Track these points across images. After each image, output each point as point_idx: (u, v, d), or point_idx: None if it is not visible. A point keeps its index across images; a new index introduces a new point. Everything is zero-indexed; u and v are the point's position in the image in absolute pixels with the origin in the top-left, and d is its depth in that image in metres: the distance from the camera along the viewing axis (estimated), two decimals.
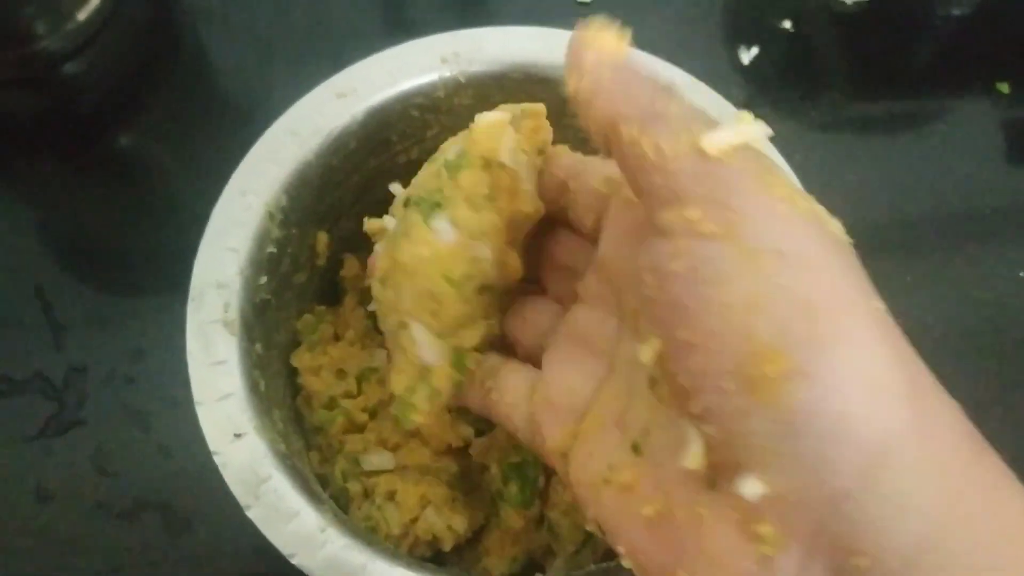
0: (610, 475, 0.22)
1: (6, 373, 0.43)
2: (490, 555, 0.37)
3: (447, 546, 0.36)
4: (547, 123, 0.28)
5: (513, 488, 0.36)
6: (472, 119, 0.28)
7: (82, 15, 0.51)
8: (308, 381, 0.38)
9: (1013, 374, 0.46)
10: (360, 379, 0.38)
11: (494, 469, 0.36)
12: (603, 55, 0.21)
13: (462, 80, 0.37)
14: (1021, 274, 0.49)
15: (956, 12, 0.56)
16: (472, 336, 0.28)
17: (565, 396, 0.25)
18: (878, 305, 0.19)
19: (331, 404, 0.37)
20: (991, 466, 0.18)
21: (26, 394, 0.43)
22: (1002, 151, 0.52)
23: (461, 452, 0.38)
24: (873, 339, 0.18)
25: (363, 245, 0.41)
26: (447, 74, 0.37)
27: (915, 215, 0.50)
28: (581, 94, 0.21)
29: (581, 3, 0.55)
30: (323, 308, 0.40)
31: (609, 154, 0.22)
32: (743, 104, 0.52)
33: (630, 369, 0.23)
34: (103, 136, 0.50)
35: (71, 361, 0.44)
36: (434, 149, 0.29)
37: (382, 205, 0.34)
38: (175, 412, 0.42)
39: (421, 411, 0.28)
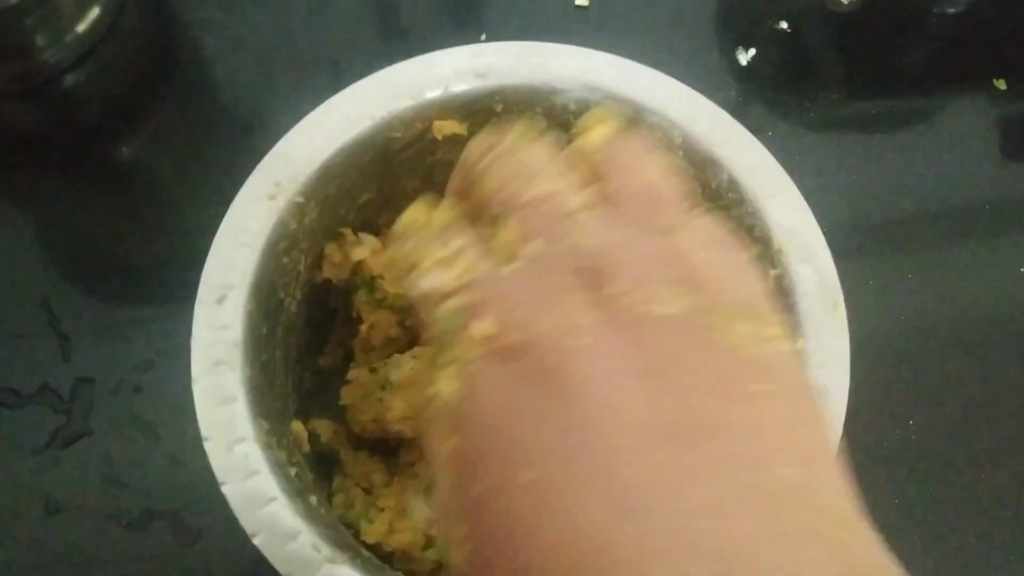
0: None
1: (13, 386, 0.43)
2: None
3: None
4: None
5: None
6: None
7: (82, 27, 0.51)
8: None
9: (1015, 370, 0.46)
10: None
11: None
12: None
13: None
14: (1022, 270, 0.49)
15: (951, 10, 0.56)
16: None
17: None
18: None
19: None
20: None
21: (33, 406, 0.43)
22: (1000, 148, 0.52)
23: None
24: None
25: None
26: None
27: (914, 213, 0.50)
28: None
29: (579, 7, 0.55)
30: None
31: None
32: (740, 105, 0.52)
33: None
34: (104, 147, 0.50)
35: (78, 372, 0.44)
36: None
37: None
38: (183, 421, 0.42)
39: None
